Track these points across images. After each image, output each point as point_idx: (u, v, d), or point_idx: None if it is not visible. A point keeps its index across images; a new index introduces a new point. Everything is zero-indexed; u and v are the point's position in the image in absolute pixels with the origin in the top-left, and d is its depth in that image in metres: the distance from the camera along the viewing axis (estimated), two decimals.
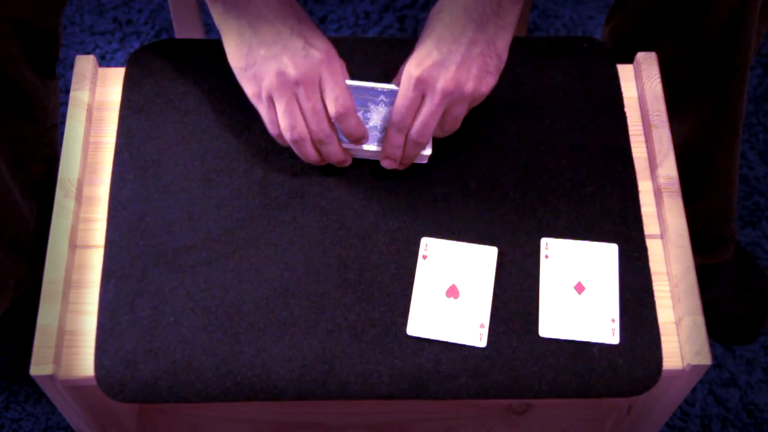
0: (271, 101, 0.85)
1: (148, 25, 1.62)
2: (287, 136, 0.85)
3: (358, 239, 0.87)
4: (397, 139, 0.87)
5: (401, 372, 0.82)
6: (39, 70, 1.10)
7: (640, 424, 0.98)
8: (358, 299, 0.85)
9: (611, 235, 0.88)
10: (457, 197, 0.90)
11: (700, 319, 0.84)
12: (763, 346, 1.37)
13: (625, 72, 0.98)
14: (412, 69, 0.84)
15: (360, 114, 0.89)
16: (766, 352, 1.37)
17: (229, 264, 0.86)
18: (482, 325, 0.84)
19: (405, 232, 0.88)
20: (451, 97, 0.84)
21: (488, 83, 0.85)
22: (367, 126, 0.89)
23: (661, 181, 0.91)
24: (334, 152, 0.87)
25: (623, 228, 0.89)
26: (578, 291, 0.86)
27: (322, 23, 1.63)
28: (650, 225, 0.90)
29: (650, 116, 0.95)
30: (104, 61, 1.59)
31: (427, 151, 0.89)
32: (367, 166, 0.91)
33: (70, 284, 0.86)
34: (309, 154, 0.87)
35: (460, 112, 0.86)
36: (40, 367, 0.81)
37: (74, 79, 0.95)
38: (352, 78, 0.91)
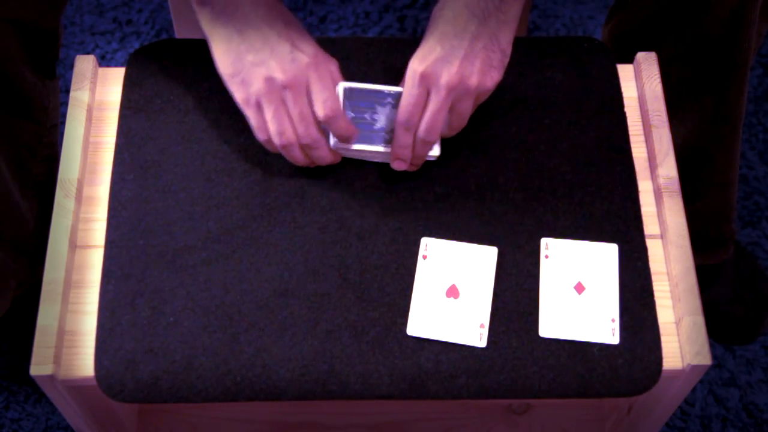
0: (259, 107, 0.85)
1: (148, 25, 1.62)
2: (276, 141, 0.86)
3: (358, 239, 0.87)
4: (406, 139, 0.87)
5: (401, 372, 0.82)
6: (39, 70, 1.10)
7: (640, 424, 0.98)
8: (358, 299, 0.85)
9: (611, 235, 0.88)
10: (457, 197, 0.90)
11: (700, 319, 0.84)
12: (763, 346, 1.37)
13: (625, 72, 0.98)
14: (415, 65, 0.84)
15: (367, 116, 0.89)
16: (766, 352, 1.37)
17: (229, 264, 0.86)
18: (482, 325, 0.84)
19: (405, 232, 0.88)
20: (455, 91, 0.84)
21: (493, 78, 0.85)
22: (375, 128, 0.89)
23: (661, 181, 0.91)
24: (323, 156, 0.88)
25: (623, 228, 0.89)
26: (578, 291, 0.86)
27: (322, 23, 1.63)
28: (650, 225, 0.90)
29: (650, 116, 0.95)
30: (104, 61, 1.59)
31: (436, 152, 0.89)
32: (366, 167, 0.91)
33: (70, 284, 0.86)
34: (298, 158, 0.87)
35: (466, 107, 0.86)
36: (40, 367, 0.81)
37: (74, 79, 0.95)
38: (352, 79, 0.91)
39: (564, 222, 0.89)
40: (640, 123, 0.96)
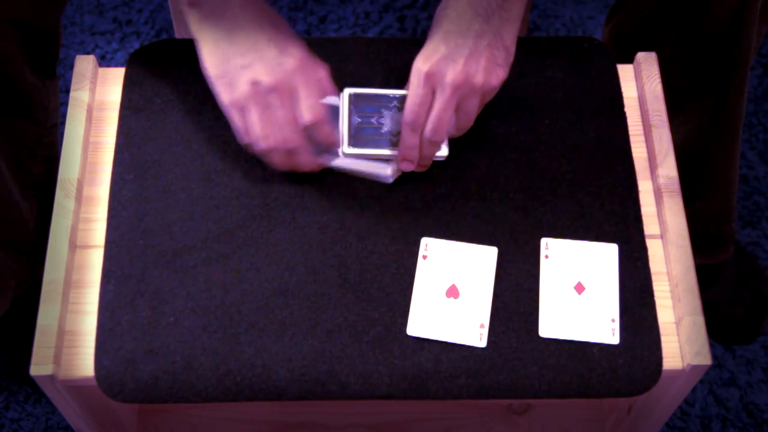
0: (243, 110, 0.85)
1: (148, 25, 1.62)
2: (260, 145, 0.85)
3: (358, 239, 0.87)
4: (412, 139, 0.86)
5: (401, 372, 0.82)
6: (39, 70, 1.10)
7: (640, 424, 0.98)
8: (358, 299, 0.85)
9: (611, 235, 0.88)
10: (457, 197, 0.90)
11: (700, 319, 0.84)
12: (763, 346, 1.37)
13: (625, 72, 0.98)
14: (420, 65, 0.84)
15: (374, 120, 0.89)
16: (766, 352, 1.37)
17: (229, 264, 0.86)
18: (482, 325, 0.84)
19: (405, 232, 0.88)
20: (461, 90, 0.84)
21: (498, 75, 0.85)
22: (382, 131, 0.89)
23: (661, 181, 0.91)
24: (305, 162, 0.87)
25: (623, 228, 0.89)
26: (578, 291, 0.86)
27: (322, 23, 1.63)
28: (650, 225, 0.90)
29: (650, 116, 0.95)
30: (104, 61, 1.59)
31: (443, 152, 0.89)
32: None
33: (70, 284, 0.86)
34: (279, 163, 0.87)
35: (472, 106, 0.86)
36: (40, 367, 0.81)
37: (74, 79, 0.95)
38: (352, 79, 0.91)
39: (564, 222, 0.89)
40: (640, 123, 0.96)
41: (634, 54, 0.99)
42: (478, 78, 0.84)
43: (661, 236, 0.90)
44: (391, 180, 0.89)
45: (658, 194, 0.91)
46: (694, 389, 1.33)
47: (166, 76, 0.96)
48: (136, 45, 1.60)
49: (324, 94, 0.86)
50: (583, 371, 0.82)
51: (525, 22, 1.29)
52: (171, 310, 0.84)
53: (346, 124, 0.90)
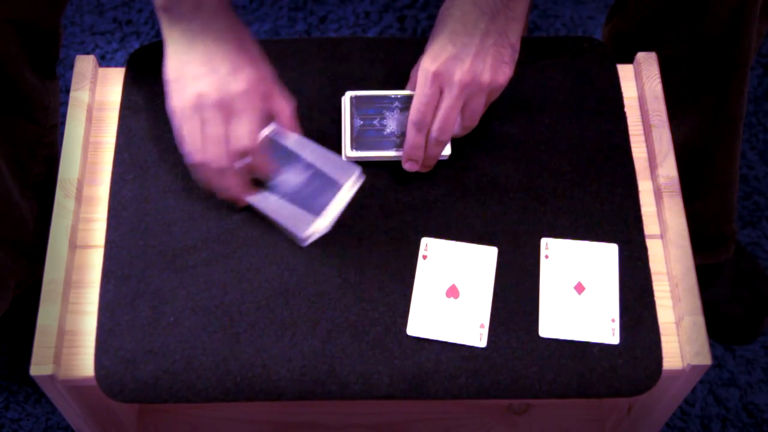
0: (183, 119, 0.85)
1: (148, 25, 1.62)
2: (191, 157, 0.85)
3: (358, 239, 0.87)
4: (418, 139, 0.86)
5: (401, 372, 0.82)
6: (39, 70, 1.10)
7: (640, 424, 0.98)
8: (358, 299, 0.85)
9: (611, 235, 0.88)
10: (457, 197, 0.90)
11: (700, 319, 0.84)
12: (763, 346, 1.37)
13: (625, 72, 0.98)
14: (427, 64, 0.84)
15: (376, 122, 0.89)
16: (766, 352, 1.37)
17: (229, 264, 0.86)
18: (482, 325, 0.84)
19: (405, 232, 0.88)
20: (468, 89, 0.84)
21: (505, 73, 0.85)
22: (384, 133, 0.89)
23: (661, 181, 0.91)
24: (229, 186, 0.86)
25: (623, 228, 0.89)
26: (578, 291, 0.86)
27: (322, 23, 1.63)
28: (650, 225, 0.90)
29: (650, 116, 0.95)
30: (104, 61, 1.59)
31: (447, 151, 0.89)
32: (366, 167, 0.91)
33: (70, 284, 0.86)
34: (206, 180, 0.86)
35: (478, 105, 0.86)
36: (40, 367, 0.81)
37: (74, 79, 0.95)
38: (352, 80, 0.91)
39: (564, 222, 0.89)
40: (640, 123, 0.96)
41: (634, 54, 0.99)
42: (485, 77, 0.84)
43: (661, 236, 0.90)
44: (305, 243, 0.86)
45: (658, 194, 0.91)
46: (694, 389, 1.33)
47: None
48: (136, 45, 1.60)
49: (264, 124, 0.85)
50: (583, 371, 0.82)
51: (525, 23, 1.29)
52: (171, 310, 0.84)
53: (348, 127, 0.90)
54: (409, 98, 0.91)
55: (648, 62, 0.98)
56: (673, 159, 0.92)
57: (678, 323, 0.85)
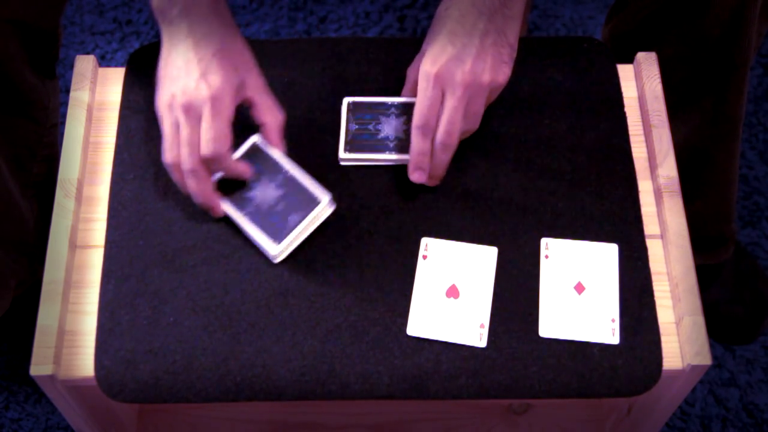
0: (161, 118, 0.86)
1: (148, 25, 1.62)
2: (164, 156, 0.85)
3: (358, 239, 0.87)
4: (424, 144, 0.85)
5: (401, 372, 0.82)
6: (39, 70, 1.10)
7: (640, 424, 0.98)
8: (358, 299, 0.84)
9: (611, 235, 0.88)
10: (457, 197, 0.90)
11: (700, 319, 0.84)
12: (763, 346, 1.37)
13: (625, 72, 0.98)
14: (428, 67, 0.84)
15: (371, 127, 0.89)
16: (766, 352, 1.37)
17: (229, 264, 0.86)
18: (482, 325, 0.84)
19: (405, 232, 0.88)
20: (470, 90, 0.83)
21: (505, 72, 0.85)
22: (378, 137, 0.89)
23: (661, 181, 0.91)
24: (199, 190, 0.85)
25: (623, 228, 0.89)
26: (578, 291, 0.86)
27: (322, 23, 1.63)
28: (650, 225, 0.90)
29: (650, 116, 0.95)
30: (104, 61, 1.59)
31: None
32: (366, 167, 0.91)
33: (70, 284, 0.86)
34: (178, 181, 0.86)
35: (479, 106, 0.85)
36: (40, 367, 0.81)
37: (74, 79, 0.95)
38: (352, 80, 0.91)
39: (564, 222, 0.89)
40: (640, 123, 0.96)
41: (634, 54, 0.99)
42: (486, 77, 0.84)
43: (661, 236, 0.90)
44: (276, 260, 0.86)
45: (658, 194, 0.91)
46: (694, 389, 1.33)
47: None
48: (136, 45, 1.60)
49: (230, 130, 0.84)
50: (583, 371, 0.82)
51: (525, 23, 1.29)
52: (171, 310, 0.84)
53: (343, 131, 0.91)
54: (406, 105, 0.91)
55: (648, 62, 0.98)
56: (673, 159, 0.92)
57: (678, 323, 0.85)
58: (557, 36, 1.50)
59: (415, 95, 0.91)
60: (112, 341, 0.83)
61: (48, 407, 1.31)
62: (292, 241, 0.85)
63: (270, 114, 0.87)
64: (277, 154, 0.88)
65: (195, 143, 0.83)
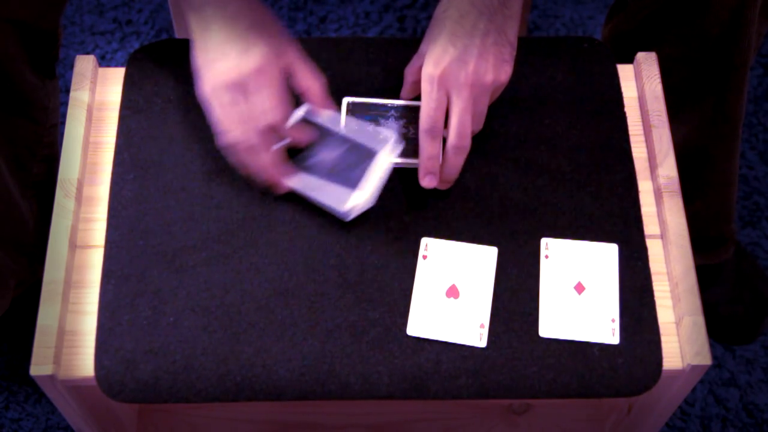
0: (209, 105, 0.85)
1: (148, 25, 1.62)
2: (221, 139, 0.85)
3: (358, 239, 0.87)
4: (433, 148, 0.85)
5: (401, 372, 0.82)
6: (39, 70, 1.10)
7: (640, 424, 0.98)
8: (358, 299, 0.85)
9: (611, 235, 0.88)
10: (457, 197, 0.90)
11: (700, 319, 0.84)
12: (763, 346, 1.37)
13: (625, 72, 0.98)
14: (431, 69, 0.83)
15: (370, 129, 0.89)
16: (766, 352, 1.37)
17: (229, 264, 0.86)
18: (482, 325, 0.84)
19: (405, 232, 0.88)
20: (475, 90, 0.83)
21: (506, 71, 0.85)
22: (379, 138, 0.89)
23: (661, 181, 0.91)
24: (263, 165, 0.85)
25: (623, 228, 0.89)
26: (578, 291, 0.86)
27: (322, 23, 1.63)
28: (650, 225, 0.90)
29: (650, 116, 0.95)
30: (104, 61, 1.59)
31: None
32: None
33: (70, 284, 0.86)
34: (239, 161, 0.86)
35: (483, 106, 0.86)
36: (40, 367, 0.81)
37: (74, 79, 0.95)
38: (352, 80, 0.91)
39: (564, 222, 0.89)
40: (640, 123, 0.96)
41: (634, 54, 0.99)
42: (489, 76, 0.84)
43: (661, 236, 0.90)
44: (348, 217, 0.86)
45: (658, 194, 0.91)
46: (694, 389, 1.33)
47: (166, 76, 0.96)
48: (136, 45, 1.60)
49: (293, 100, 0.85)
50: (583, 371, 0.82)
51: (525, 23, 1.29)
52: (171, 310, 0.84)
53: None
54: (405, 108, 0.91)
55: (648, 62, 0.98)
56: (673, 159, 0.92)
57: (678, 323, 0.85)
58: (557, 36, 1.50)
59: (413, 96, 0.91)
60: (112, 341, 0.83)
61: (48, 407, 1.31)
62: (362, 195, 0.84)
63: (312, 78, 0.87)
64: (329, 115, 0.87)
65: (251, 118, 0.83)
